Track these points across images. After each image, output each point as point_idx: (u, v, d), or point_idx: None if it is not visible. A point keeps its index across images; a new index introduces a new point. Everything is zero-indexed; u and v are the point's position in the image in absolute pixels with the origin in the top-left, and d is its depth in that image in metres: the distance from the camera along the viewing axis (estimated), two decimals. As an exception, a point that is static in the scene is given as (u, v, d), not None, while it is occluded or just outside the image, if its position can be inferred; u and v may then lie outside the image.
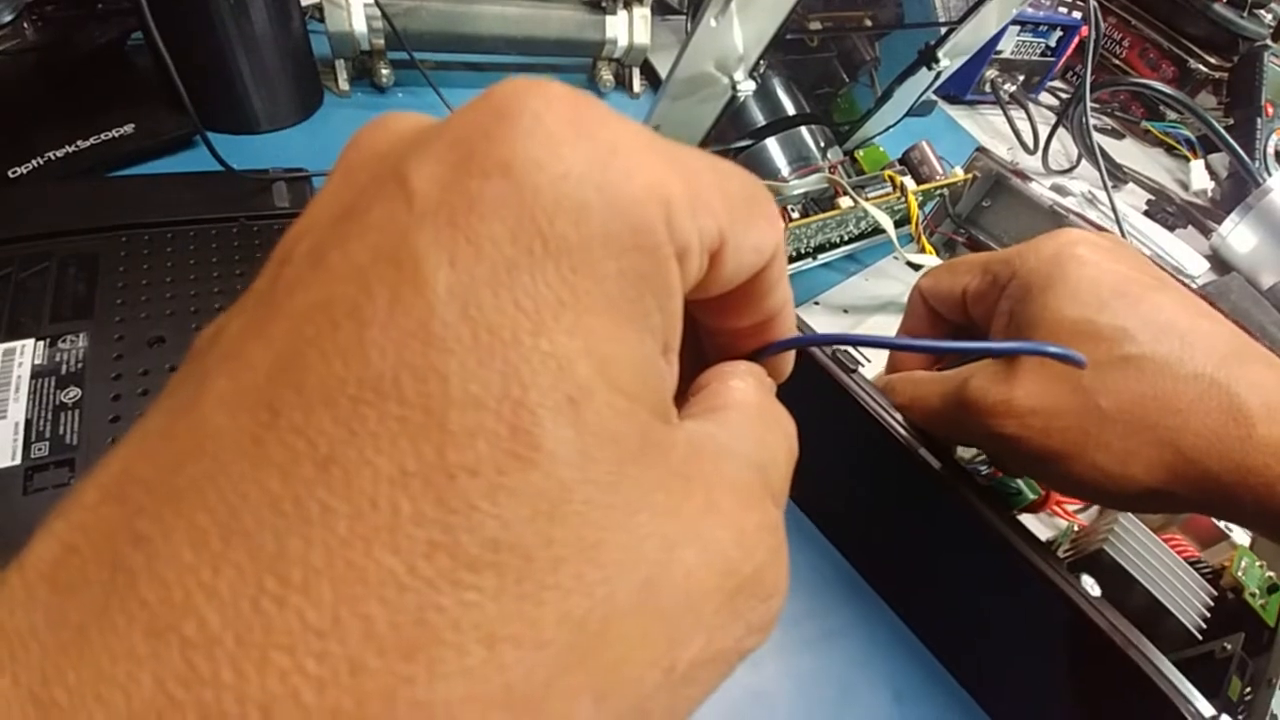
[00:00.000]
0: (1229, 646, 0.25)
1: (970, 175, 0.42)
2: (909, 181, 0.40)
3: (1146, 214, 0.59)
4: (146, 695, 0.06)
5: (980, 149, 0.43)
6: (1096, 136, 0.65)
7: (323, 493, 0.06)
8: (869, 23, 0.44)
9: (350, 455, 0.06)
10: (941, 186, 0.42)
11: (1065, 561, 0.29)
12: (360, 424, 0.06)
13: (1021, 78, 0.66)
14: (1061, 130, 0.61)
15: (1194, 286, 0.49)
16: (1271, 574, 0.28)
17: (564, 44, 0.50)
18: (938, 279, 0.26)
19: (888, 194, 0.39)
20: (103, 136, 0.36)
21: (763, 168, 0.41)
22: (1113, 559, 0.26)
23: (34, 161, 0.35)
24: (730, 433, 0.09)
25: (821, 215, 0.36)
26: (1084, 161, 0.62)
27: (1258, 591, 0.27)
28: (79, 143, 0.36)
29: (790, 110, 0.41)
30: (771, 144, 0.41)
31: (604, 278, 0.07)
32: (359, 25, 0.43)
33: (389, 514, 0.06)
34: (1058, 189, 0.58)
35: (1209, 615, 0.26)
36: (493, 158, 0.07)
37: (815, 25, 0.42)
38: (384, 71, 0.46)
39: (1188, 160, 0.66)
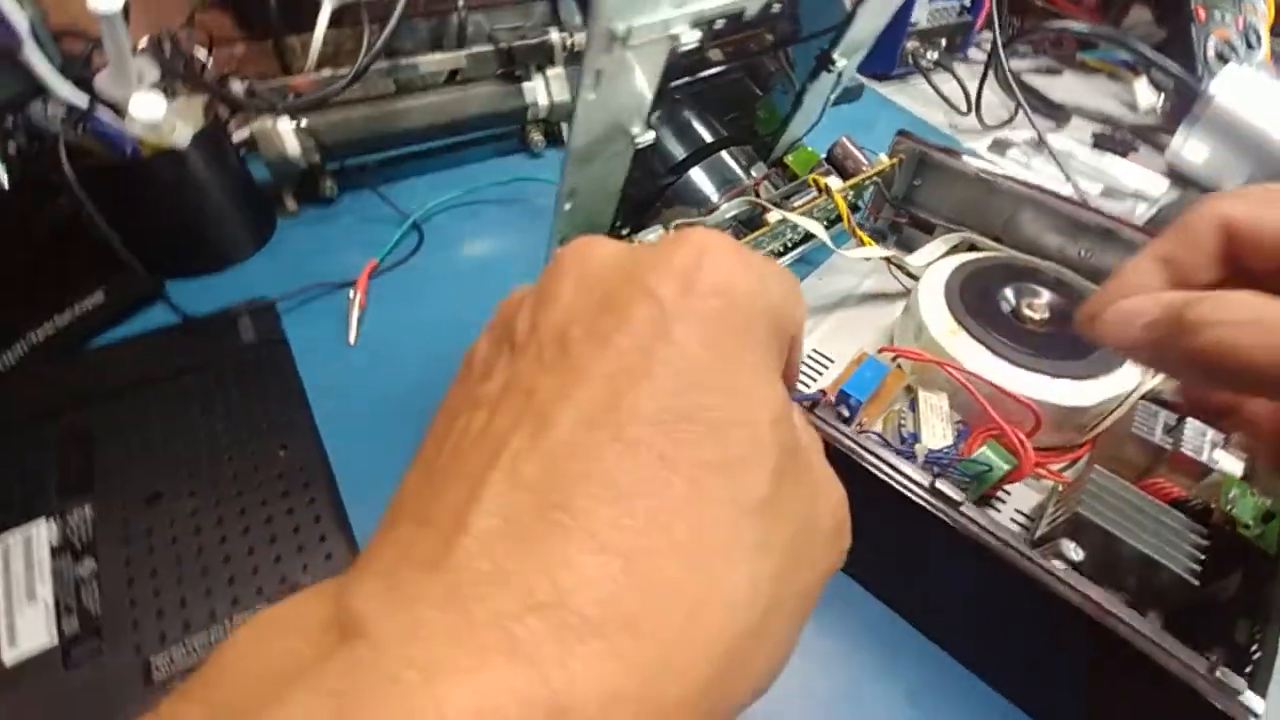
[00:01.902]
0: (1229, 587, 0.25)
1: (894, 160, 0.43)
2: (834, 181, 0.41)
3: (1096, 146, 0.58)
4: (583, 568, 0.10)
5: (901, 132, 0.44)
6: (1037, 79, 0.66)
7: (665, 473, 0.11)
8: (770, 37, 0.45)
9: (672, 452, 0.11)
10: (868, 178, 0.43)
11: (1056, 524, 0.29)
12: (674, 434, 0.11)
13: (944, 42, 0.66)
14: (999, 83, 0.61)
15: (1152, 213, 0.49)
16: (1267, 501, 0.28)
17: (489, 117, 0.52)
18: (1267, 206, 0.18)
19: (814, 199, 0.40)
20: (77, 310, 0.39)
21: (692, 197, 0.42)
22: (1089, 519, 0.27)
23: (19, 348, 0.37)
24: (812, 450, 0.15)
25: (751, 235, 0.37)
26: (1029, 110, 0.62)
27: (1251, 523, 0.27)
28: (56, 319, 0.38)
29: (708, 138, 0.43)
30: (695, 174, 0.42)
31: (771, 351, 0.13)
32: (292, 149, 0.45)
33: (700, 483, 0.11)
34: (999, 144, 0.59)
35: (1203, 558, 0.26)
36: (708, 284, 0.12)
37: (716, 55, 0.43)
38: (327, 184, 0.49)
39: (1130, 81, 0.65)
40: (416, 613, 0.09)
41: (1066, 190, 0.51)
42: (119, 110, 0.35)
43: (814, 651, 0.29)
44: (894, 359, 0.35)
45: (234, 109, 0.43)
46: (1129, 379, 0.33)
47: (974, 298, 0.36)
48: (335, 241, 0.48)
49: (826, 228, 0.40)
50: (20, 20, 0.29)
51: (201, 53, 0.44)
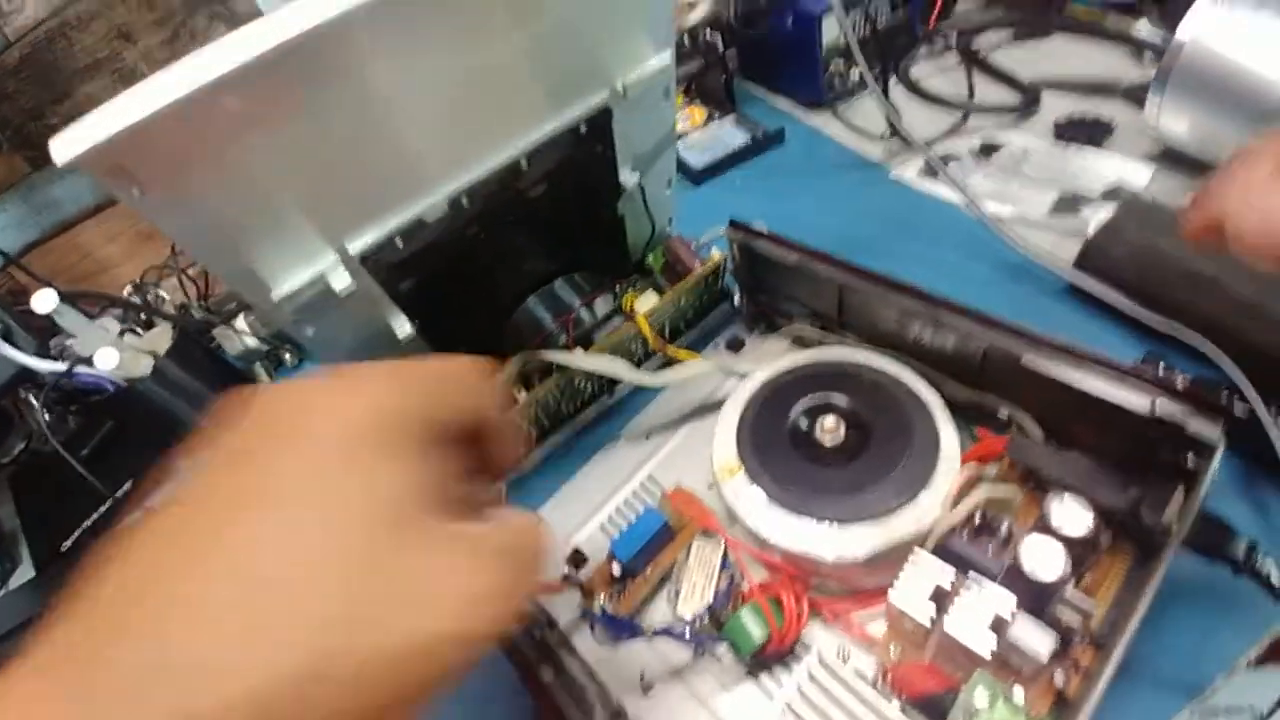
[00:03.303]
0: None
1: (723, 256, 0.40)
2: (643, 301, 0.39)
3: (1059, 137, 0.47)
4: (196, 603, 0.13)
5: (731, 222, 0.40)
6: (1012, 53, 0.56)
7: (267, 531, 0.14)
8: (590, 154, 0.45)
9: (288, 515, 0.14)
10: (699, 280, 0.41)
11: None
12: (273, 510, 0.14)
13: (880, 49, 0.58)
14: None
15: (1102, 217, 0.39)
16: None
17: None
18: None
19: (618, 329, 0.39)
20: (116, 496, 0.52)
21: (532, 328, 0.43)
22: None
23: (75, 534, 0.51)
24: (489, 528, 0.17)
25: (544, 386, 0.37)
26: (972, 110, 0.52)
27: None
28: (101, 508, 0.52)
29: (543, 267, 0.43)
30: (531, 303, 0.43)
31: (401, 445, 0.16)
32: (251, 342, 0.55)
33: (294, 537, 0.14)
34: (932, 165, 0.50)
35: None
36: (356, 398, 0.16)
37: (539, 190, 0.43)
38: (286, 356, 0.58)
39: (1129, 26, 0.52)
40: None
41: (999, 212, 0.42)
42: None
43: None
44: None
45: (195, 328, 0.54)
46: (916, 519, 0.28)
47: (769, 419, 0.33)
48: (299, 403, 0.57)
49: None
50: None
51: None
